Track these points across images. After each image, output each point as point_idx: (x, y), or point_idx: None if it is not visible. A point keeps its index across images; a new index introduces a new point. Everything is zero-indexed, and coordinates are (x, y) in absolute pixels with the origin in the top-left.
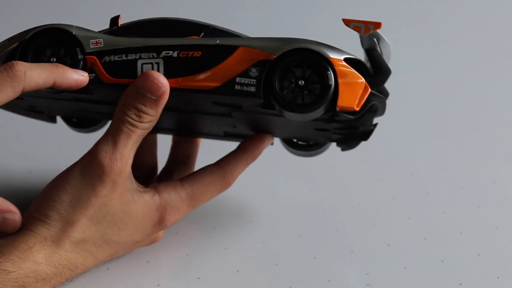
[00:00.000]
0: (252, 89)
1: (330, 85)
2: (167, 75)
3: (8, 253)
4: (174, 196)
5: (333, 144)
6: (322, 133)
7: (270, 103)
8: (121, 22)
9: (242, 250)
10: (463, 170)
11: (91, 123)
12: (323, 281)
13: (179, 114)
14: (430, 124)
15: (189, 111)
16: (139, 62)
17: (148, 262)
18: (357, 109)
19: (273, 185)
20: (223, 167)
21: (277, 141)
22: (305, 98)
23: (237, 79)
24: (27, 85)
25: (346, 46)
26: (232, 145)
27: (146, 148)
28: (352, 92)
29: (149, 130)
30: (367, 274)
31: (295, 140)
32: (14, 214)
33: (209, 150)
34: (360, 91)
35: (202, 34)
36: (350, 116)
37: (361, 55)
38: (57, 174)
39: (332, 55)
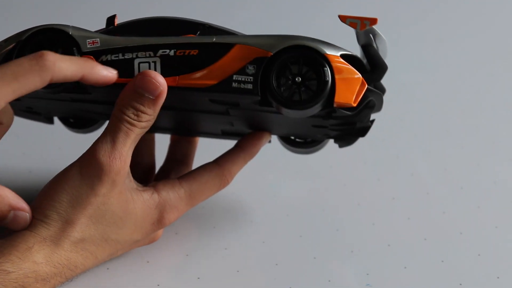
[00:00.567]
0: (249, 86)
1: (327, 82)
2: (164, 73)
3: (7, 254)
4: (172, 194)
5: (332, 143)
6: (320, 130)
7: (267, 100)
8: (117, 21)
9: (242, 250)
10: (463, 170)
11: (88, 124)
12: (323, 281)
13: (177, 113)
14: (430, 124)
15: (186, 109)
16: (136, 61)
17: (148, 262)
18: (354, 105)
19: (273, 185)
20: (221, 165)
21: (274, 139)
22: (302, 95)
23: (234, 77)
24: (55, 76)
25: (342, 42)
26: (230, 144)
27: (144, 147)
28: (349, 88)
29: (148, 129)
30: (367, 274)
31: (292, 138)
32: (26, 213)
33: (207, 149)
34: (357, 87)
35: (199, 32)
36: (348, 112)
37: (357, 51)
38: (57, 174)
39: (329, 52)
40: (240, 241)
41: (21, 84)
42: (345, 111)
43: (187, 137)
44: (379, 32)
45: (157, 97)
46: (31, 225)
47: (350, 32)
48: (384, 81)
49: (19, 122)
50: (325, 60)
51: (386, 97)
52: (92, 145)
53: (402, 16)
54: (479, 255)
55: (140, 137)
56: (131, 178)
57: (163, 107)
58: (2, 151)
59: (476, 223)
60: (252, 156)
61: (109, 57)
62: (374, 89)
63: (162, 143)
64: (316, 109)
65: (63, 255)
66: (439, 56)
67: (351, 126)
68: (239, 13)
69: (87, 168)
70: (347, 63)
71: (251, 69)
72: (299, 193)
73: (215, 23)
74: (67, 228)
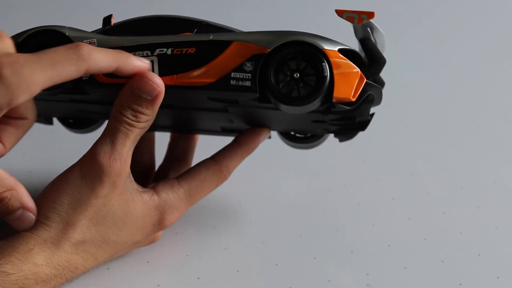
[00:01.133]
0: (248, 83)
1: (326, 77)
2: (162, 72)
3: (8, 255)
4: (172, 195)
5: (332, 143)
6: (319, 125)
7: (266, 96)
8: (113, 21)
9: (242, 250)
10: (463, 170)
11: (87, 124)
12: (323, 281)
13: (176, 111)
14: (430, 124)
15: (185, 107)
16: None
17: (148, 262)
18: (353, 99)
19: (273, 185)
20: (219, 162)
21: (274, 135)
22: (301, 91)
23: (232, 74)
24: (91, 66)
25: (339, 37)
26: (229, 140)
27: (144, 146)
28: (347, 82)
29: (147, 129)
30: (367, 274)
31: (292, 133)
32: (33, 215)
33: (207, 146)
34: (356, 82)
35: (196, 30)
36: (347, 107)
37: (355, 45)
38: (57, 174)
39: (327, 47)
40: (240, 241)
41: (57, 71)
42: (344, 106)
43: (187, 135)
44: (376, 25)
45: (154, 98)
46: (31, 227)
47: (348, 27)
48: (384, 81)
49: None
50: (323, 55)
51: (386, 97)
52: (91, 146)
53: (402, 16)
54: (479, 255)
55: (139, 138)
56: (132, 179)
57: (162, 106)
58: None
59: (476, 223)
60: (249, 152)
61: None
62: (373, 83)
63: (161, 141)
64: (315, 104)
65: (63, 257)
66: (439, 56)
67: (351, 120)
68: (236, 9)
69: (88, 170)
70: (345, 58)
71: (249, 66)
72: (299, 193)
73: (212, 20)
74: (68, 230)
